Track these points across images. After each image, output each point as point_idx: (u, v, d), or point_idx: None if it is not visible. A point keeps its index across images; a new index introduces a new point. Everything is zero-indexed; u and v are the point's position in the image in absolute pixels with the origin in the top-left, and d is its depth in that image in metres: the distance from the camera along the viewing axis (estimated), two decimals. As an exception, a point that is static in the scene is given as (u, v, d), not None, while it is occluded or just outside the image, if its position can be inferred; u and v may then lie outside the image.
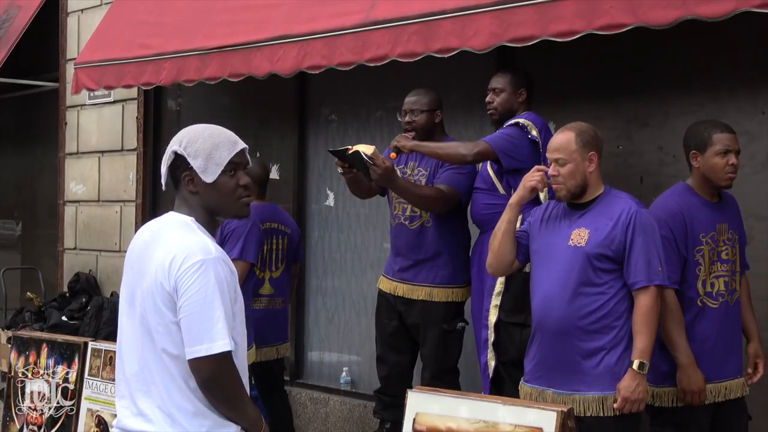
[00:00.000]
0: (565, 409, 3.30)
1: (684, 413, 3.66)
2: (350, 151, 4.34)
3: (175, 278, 2.46)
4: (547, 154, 3.63)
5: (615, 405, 3.42)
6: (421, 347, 4.68)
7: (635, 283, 3.45)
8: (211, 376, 2.47)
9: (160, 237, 2.57)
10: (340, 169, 4.54)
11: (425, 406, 3.57)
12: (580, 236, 3.51)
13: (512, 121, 4.34)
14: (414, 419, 3.56)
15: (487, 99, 4.47)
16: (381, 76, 5.31)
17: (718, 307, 3.68)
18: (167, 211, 2.68)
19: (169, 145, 2.61)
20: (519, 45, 4.11)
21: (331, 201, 6.13)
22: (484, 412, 3.42)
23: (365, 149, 4.34)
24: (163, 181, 2.65)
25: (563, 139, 3.57)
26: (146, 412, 2.52)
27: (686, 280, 3.64)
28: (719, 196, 3.78)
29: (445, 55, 4.36)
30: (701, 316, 3.66)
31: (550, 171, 3.57)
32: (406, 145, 4.43)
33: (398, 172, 4.75)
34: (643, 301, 3.43)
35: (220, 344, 2.45)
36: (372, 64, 4.68)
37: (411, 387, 4.48)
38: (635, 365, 3.41)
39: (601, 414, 3.46)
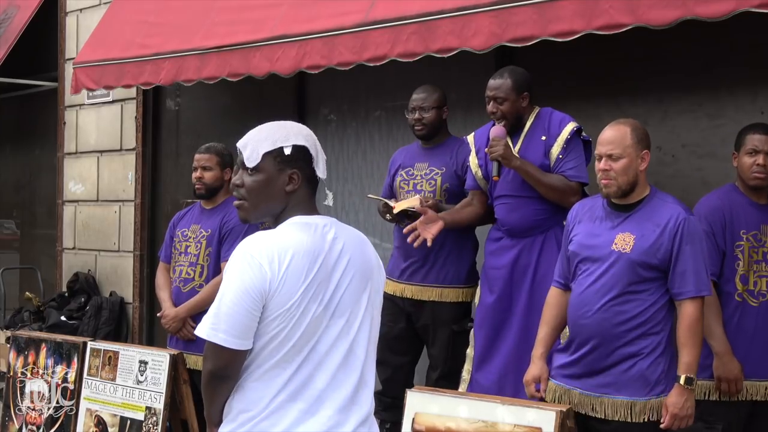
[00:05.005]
0: (563, 409, 3.30)
1: (714, 408, 3.66)
2: (395, 211, 4.43)
3: (384, 277, 2.61)
4: (599, 147, 3.49)
5: (662, 423, 3.30)
6: (429, 348, 4.67)
7: (682, 293, 3.33)
8: None
9: (359, 236, 2.52)
10: (388, 217, 4.59)
11: (424, 406, 3.56)
12: (624, 241, 3.40)
13: (571, 127, 4.14)
14: (413, 419, 3.56)
15: (491, 108, 4.26)
16: (380, 75, 5.31)
17: (758, 305, 3.71)
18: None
19: (316, 144, 2.47)
20: (519, 45, 4.11)
21: (330, 201, 6.13)
22: (483, 412, 3.42)
23: (410, 204, 4.38)
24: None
25: (618, 132, 3.45)
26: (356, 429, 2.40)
27: (723, 274, 3.69)
28: (766, 199, 3.83)
29: (445, 55, 4.36)
30: (739, 312, 3.69)
31: (602, 165, 3.44)
32: (512, 162, 4.13)
33: (404, 175, 4.75)
34: (690, 312, 3.32)
35: None
36: (371, 64, 4.68)
37: (412, 387, 4.49)
38: (682, 380, 3.29)
39: (629, 420, 3.36)
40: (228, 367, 2.34)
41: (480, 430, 3.40)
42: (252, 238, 2.37)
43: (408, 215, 4.46)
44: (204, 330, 2.32)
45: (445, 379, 4.51)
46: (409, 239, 4.22)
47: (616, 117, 4.74)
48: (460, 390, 4.38)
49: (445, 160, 4.62)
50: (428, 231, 4.19)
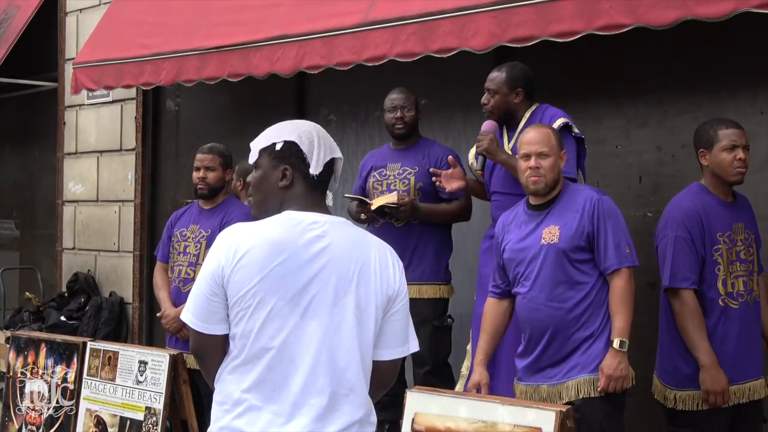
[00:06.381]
0: (563, 409, 3.30)
1: (705, 416, 3.64)
2: (372, 207, 4.52)
3: (400, 281, 2.46)
4: (527, 147, 3.68)
5: (599, 385, 3.50)
6: None
7: (607, 268, 3.57)
8: (397, 372, 2.54)
9: (357, 239, 2.44)
10: (363, 216, 4.65)
11: (424, 407, 3.56)
12: (551, 234, 3.60)
13: (560, 122, 4.10)
14: (413, 419, 3.56)
15: (483, 99, 4.32)
16: (380, 76, 5.31)
17: (738, 307, 3.65)
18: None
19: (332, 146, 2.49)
20: (518, 45, 4.11)
21: (330, 201, 6.13)
22: (483, 412, 3.42)
23: (387, 200, 4.48)
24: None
25: (543, 133, 3.70)
26: None
27: (706, 280, 3.62)
28: (733, 196, 3.79)
29: (444, 56, 4.36)
30: (724, 317, 3.63)
31: (532, 163, 3.64)
32: (497, 157, 4.17)
33: (377, 176, 4.80)
34: (617, 284, 3.56)
35: (415, 339, 2.55)
36: (371, 64, 4.68)
37: (406, 385, 4.49)
38: (616, 344, 3.51)
39: (591, 395, 3.53)
40: (201, 348, 2.42)
41: (480, 430, 3.40)
42: (230, 227, 2.43)
43: (385, 213, 4.54)
44: (182, 311, 2.44)
45: (435, 375, 4.58)
46: (433, 179, 4.39)
47: (616, 117, 4.77)
48: (458, 386, 4.40)
49: (417, 160, 4.69)
50: (450, 183, 4.35)
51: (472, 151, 4.47)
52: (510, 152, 4.25)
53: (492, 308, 3.87)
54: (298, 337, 2.32)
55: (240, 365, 2.33)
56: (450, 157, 4.41)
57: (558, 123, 4.15)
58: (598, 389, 3.51)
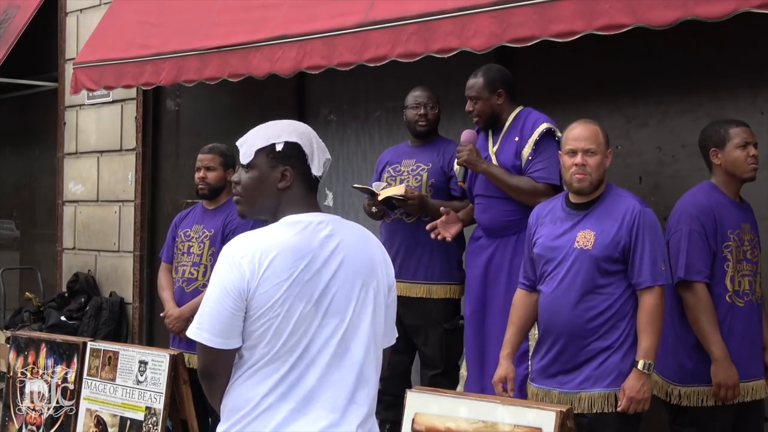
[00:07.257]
0: (563, 409, 3.29)
1: (709, 413, 3.64)
2: (379, 198, 4.50)
3: (392, 269, 2.56)
4: (573, 143, 3.53)
5: (620, 406, 3.41)
6: (422, 347, 4.68)
7: (640, 284, 3.44)
8: (387, 359, 2.60)
9: (361, 234, 2.48)
10: (374, 209, 4.64)
11: (424, 407, 3.56)
12: (586, 239, 3.49)
13: (543, 127, 4.16)
14: (413, 419, 3.56)
15: (467, 107, 4.33)
16: (380, 76, 5.31)
17: (744, 306, 3.67)
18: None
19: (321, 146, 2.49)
20: (518, 45, 4.11)
21: (330, 201, 6.13)
22: (483, 412, 3.42)
23: (395, 192, 4.47)
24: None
25: (592, 130, 3.55)
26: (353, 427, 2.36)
27: (715, 276, 3.63)
28: (740, 198, 3.80)
29: (445, 56, 4.36)
30: (730, 314, 3.64)
31: (578, 160, 3.51)
32: (478, 167, 4.22)
33: (391, 171, 4.79)
34: (648, 301, 3.43)
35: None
36: (371, 65, 4.68)
37: (410, 385, 4.49)
38: (640, 365, 3.39)
39: (605, 410, 3.45)
40: (214, 366, 2.36)
41: (480, 430, 3.40)
42: (237, 237, 2.38)
43: (394, 205, 4.53)
44: (191, 330, 2.35)
45: (444, 377, 4.55)
46: (432, 235, 4.36)
47: (616, 117, 4.77)
48: (459, 387, 4.40)
49: (431, 157, 4.68)
50: (448, 231, 4.34)
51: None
52: (494, 156, 4.27)
53: (521, 300, 3.75)
54: (320, 337, 2.33)
55: (260, 369, 2.32)
56: (442, 208, 4.38)
57: (541, 128, 4.18)
58: (619, 409, 3.42)
